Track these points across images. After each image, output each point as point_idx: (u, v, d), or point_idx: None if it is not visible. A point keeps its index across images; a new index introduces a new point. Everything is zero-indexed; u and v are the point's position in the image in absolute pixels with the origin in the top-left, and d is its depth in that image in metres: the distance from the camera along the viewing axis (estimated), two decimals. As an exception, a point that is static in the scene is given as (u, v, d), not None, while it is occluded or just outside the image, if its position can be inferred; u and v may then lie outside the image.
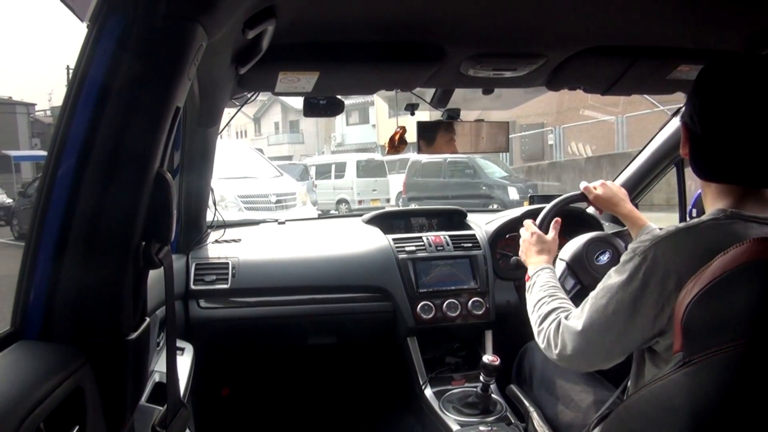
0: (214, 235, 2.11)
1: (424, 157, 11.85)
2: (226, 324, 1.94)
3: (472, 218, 2.35)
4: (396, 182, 13.00)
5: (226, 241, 2.10)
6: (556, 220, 1.58)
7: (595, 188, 1.68)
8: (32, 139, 27.91)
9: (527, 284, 1.37)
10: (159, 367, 1.26)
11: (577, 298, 1.28)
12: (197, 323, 1.88)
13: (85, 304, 0.79)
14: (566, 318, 1.12)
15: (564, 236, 1.87)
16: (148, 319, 0.91)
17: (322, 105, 1.72)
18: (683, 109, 1.04)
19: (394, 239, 2.11)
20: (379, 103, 22.39)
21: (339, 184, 13.57)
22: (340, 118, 24.58)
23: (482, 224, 2.26)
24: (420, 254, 2.07)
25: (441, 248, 2.10)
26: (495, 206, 9.76)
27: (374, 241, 2.12)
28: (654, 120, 11.28)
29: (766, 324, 0.80)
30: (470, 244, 2.13)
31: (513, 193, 11.24)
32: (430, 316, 1.97)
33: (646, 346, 1.02)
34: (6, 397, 0.62)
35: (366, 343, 2.19)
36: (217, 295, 1.92)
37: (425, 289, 2.01)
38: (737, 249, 0.83)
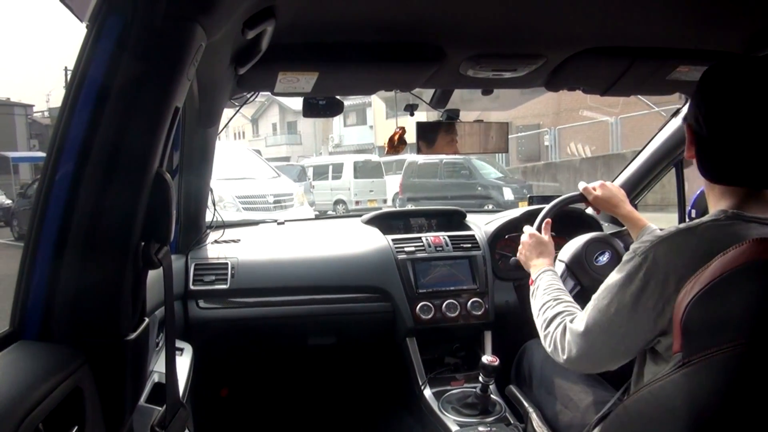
0: (213, 236, 2.11)
1: (421, 158, 11.96)
2: (225, 324, 1.94)
3: (471, 219, 2.35)
4: (393, 183, 13.09)
5: (225, 241, 2.10)
6: (547, 221, 1.58)
7: (594, 189, 1.68)
8: (30, 140, 27.95)
9: (531, 288, 1.37)
10: (158, 367, 1.26)
11: (578, 299, 1.28)
12: (196, 323, 1.88)
13: (84, 304, 0.79)
14: (571, 321, 1.12)
15: (563, 237, 1.87)
16: (147, 320, 0.91)
17: (321, 105, 1.72)
18: (686, 110, 1.04)
19: (393, 240, 2.11)
20: (376, 104, 22.40)
21: (336, 185, 13.65)
22: (337, 120, 24.63)
23: (481, 225, 2.26)
24: (419, 255, 2.07)
25: (440, 249, 2.10)
26: (490, 206, 9.88)
27: (373, 241, 2.12)
28: (649, 121, 11.34)
29: (765, 324, 0.80)
30: (469, 245, 2.13)
31: (508, 194, 11.34)
32: (430, 316, 1.97)
33: (649, 346, 1.01)
34: (5, 398, 0.62)
35: (365, 343, 2.19)
36: (217, 296, 1.92)
37: (424, 289, 2.01)
38: (737, 249, 0.83)
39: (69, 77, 0.83)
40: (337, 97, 1.73)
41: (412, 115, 1.86)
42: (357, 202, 13.10)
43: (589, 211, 2.18)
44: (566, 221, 1.94)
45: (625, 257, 1.02)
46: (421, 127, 1.76)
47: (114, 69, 0.79)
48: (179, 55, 0.83)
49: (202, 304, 1.91)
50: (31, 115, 29.71)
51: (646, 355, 1.05)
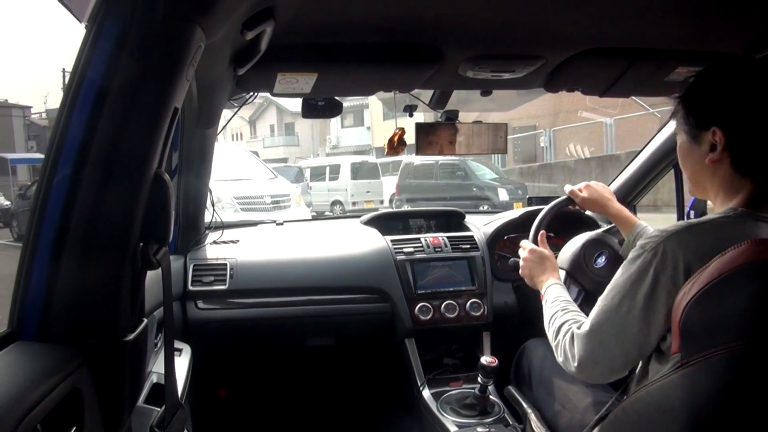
0: (212, 236, 2.11)
1: (417, 160, 12.08)
2: (224, 325, 1.94)
3: (470, 220, 2.35)
4: (389, 184, 13.17)
5: (224, 242, 2.10)
6: (542, 233, 1.55)
7: (580, 190, 1.66)
8: (28, 141, 27.93)
9: (543, 303, 1.34)
10: (157, 368, 1.26)
11: (584, 305, 1.28)
12: (195, 324, 1.88)
13: (82, 305, 0.79)
14: (578, 328, 1.10)
15: (561, 237, 1.87)
16: (145, 320, 0.91)
17: (320, 106, 1.72)
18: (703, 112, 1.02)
19: (392, 240, 2.11)
20: (374, 105, 22.43)
21: (333, 185, 13.75)
22: (335, 121, 24.67)
23: (480, 226, 2.26)
24: (418, 255, 2.07)
25: (439, 249, 2.10)
26: (486, 207, 10.00)
27: (372, 242, 2.12)
28: (644, 122, 11.38)
29: (764, 325, 0.80)
30: (468, 246, 2.13)
31: (503, 195, 11.43)
32: (428, 317, 1.97)
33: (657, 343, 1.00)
34: (3, 398, 0.62)
35: (364, 344, 2.19)
36: (215, 296, 1.92)
37: (423, 290, 2.01)
38: (735, 250, 0.83)
39: (68, 78, 0.83)
40: (336, 97, 1.73)
41: (411, 116, 1.86)
42: (354, 203, 13.17)
43: (589, 212, 2.19)
44: (564, 221, 1.94)
45: (632, 254, 1.00)
46: (420, 128, 1.76)
47: (113, 70, 0.78)
48: (178, 56, 0.83)
49: (200, 304, 1.90)
50: (28, 116, 29.71)
51: (651, 354, 1.05)
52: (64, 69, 21.51)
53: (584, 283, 1.60)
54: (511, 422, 1.71)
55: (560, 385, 1.49)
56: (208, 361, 1.80)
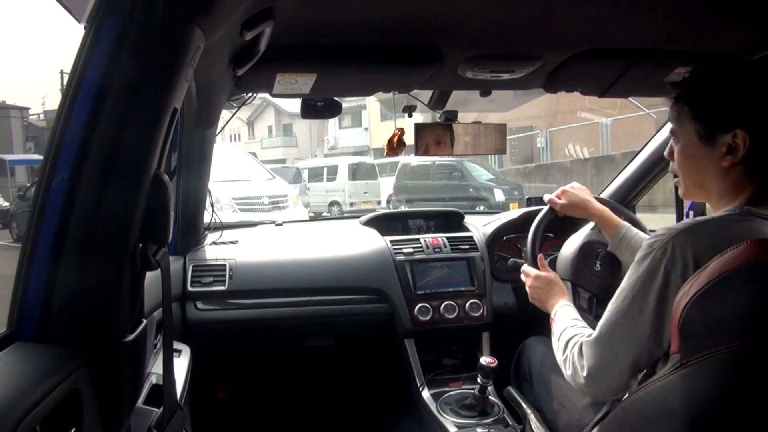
0: (211, 237, 2.11)
1: (414, 160, 12.15)
2: (223, 326, 1.94)
3: (469, 220, 2.35)
4: (387, 185, 13.23)
5: (223, 242, 2.09)
6: (540, 258, 1.53)
7: (558, 197, 1.64)
8: (26, 142, 27.91)
9: (552, 326, 1.31)
10: (156, 369, 1.26)
11: (599, 309, 1.26)
12: (194, 325, 1.88)
13: (82, 305, 0.79)
14: (587, 336, 1.08)
15: (560, 237, 1.87)
16: (145, 321, 0.91)
17: (319, 107, 1.72)
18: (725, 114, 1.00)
19: (391, 241, 2.11)
20: (371, 106, 22.45)
21: (331, 186, 13.81)
22: (333, 122, 24.70)
23: (480, 226, 2.26)
24: (417, 256, 2.07)
25: (438, 250, 2.10)
26: (482, 207, 10.08)
27: (372, 242, 2.12)
28: (639, 123, 11.41)
29: (763, 325, 0.80)
30: (468, 246, 2.13)
31: (499, 195, 11.50)
32: (428, 318, 1.97)
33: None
34: (2, 399, 0.62)
35: (363, 344, 2.19)
36: (215, 297, 1.92)
37: (423, 291, 2.01)
38: (735, 250, 0.83)
39: (67, 79, 0.83)
40: (335, 98, 1.73)
41: (410, 116, 1.86)
42: (351, 204, 13.23)
43: None
44: (560, 220, 1.94)
45: (640, 254, 0.98)
46: (419, 128, 1.76)
47: (112, 70, 0.78)
48: (177, 56, 0.83)
49: (200, 305, 1.90)
50: (26, 117, 29.67)
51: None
52: (62, 70, 21.53)
53: (591, 288, 1.59)
54: (510, 423, 1.71)
55: (560, 383, 1.49)
56: (207, 362, 1.80)
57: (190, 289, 1.89)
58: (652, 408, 0.92)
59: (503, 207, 10.34)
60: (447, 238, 2.15)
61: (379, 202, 13.29)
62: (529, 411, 1.53)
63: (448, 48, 1.41)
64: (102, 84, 0.78)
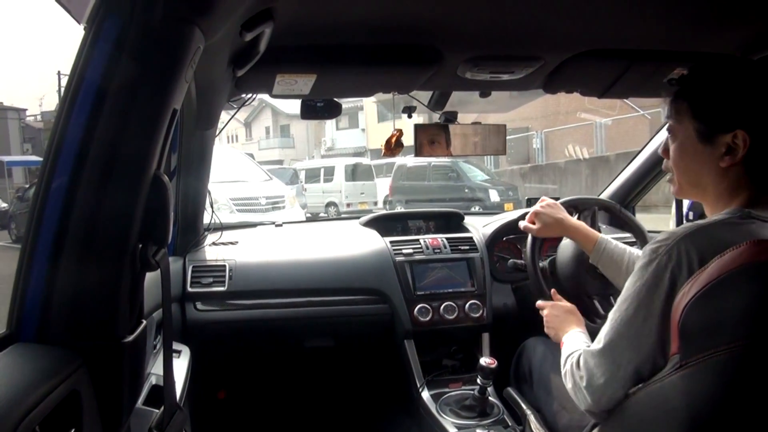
0: (211, 238, 2.11)
1: (410, 162, 12.24)
2: (223, 326, 1.94)
3: (469, 221, 2.35)
4: (383, 186, 13.31)
5: (223, 243, 2.09)
6: (554, 293, 1.50)
7: (532, 221, 1.63)
8: (23, 144, 27.88)
9: (562, 348, 1.27)
10: (156, 369, 1.26)
11: (606, 307, 1.22)
12: (194, 326, 1.88)
13: (81, 306, 0.79)
14: (588, 347, 1.05)
15: (558, 238, 1.87)
16: (144, 322, 0.91)
17: (319, 107, 1.72)
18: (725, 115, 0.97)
19: (391, 242, 2.11)
20: (368, 107, 22.46)
21: (328, 187, 13.90)
22: (330, 123, 24.74)
23: (479, 227, 2.26)
24: (417, 257, 2.07)
25: (438, 251, 2.10)
26: (477, 208, 10.22)
27: (371, 243, 2.12)
28: (634, 123, 11.42)
29: (763, 326, 0.80)
30: (467, 247, 2.13)
31: (494, 196, 11.59)
32: (428, 318, 1.97)
33: None
34: (2, 400, 0.62)
35: (363, 345, 2.19)
36: (214, 298, 1.92)
37: (422, 291, 2.01)
38: (735, 251, 0.83)
39: (65, 80, 0.83)
40: (335, 99, 1.73)
41: (410, 117, 1.86)
42: (348, 205, 13.30)
43: None
44: None
45: (642, 261, 0.96)
46: (419, 129, 1.76)
47: (112, 71, 0.78)
48: (177, 57, 0.83)
49: (199, 306, 1.90)
50: (24, 119, 29.61)
51: None
52: (59, 71, 21.55)
53: (593, 288, 1.59)
54: (510, 423, 1.71)
55: (560, 384, 1.48)
56: (207, 363, 1.80)
57: (189, 289, 1.89)
58: (652, 408, 0.92)
59: (498, 207, 10.54)
60: (447, 238, 2.15)
61: (375, 203, 13.36)
62: (529, 412, 1.53)
63: (447, 49, 1.41)
64: (102, 85, 0.78)
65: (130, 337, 0.84)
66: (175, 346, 1.50)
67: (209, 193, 2.02)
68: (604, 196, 2.33)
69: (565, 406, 1.43)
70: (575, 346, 1.16)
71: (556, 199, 1.93)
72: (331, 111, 1.74)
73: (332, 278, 2.01)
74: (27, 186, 14.57)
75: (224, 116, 1.88)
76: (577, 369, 1.04)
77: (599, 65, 1.52)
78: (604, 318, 1.11)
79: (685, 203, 2.08)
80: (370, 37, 1.35)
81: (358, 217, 2.40)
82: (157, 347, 1.38)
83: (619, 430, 1.02)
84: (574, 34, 1.39)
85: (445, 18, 1.26)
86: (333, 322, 2.02)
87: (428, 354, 2.02)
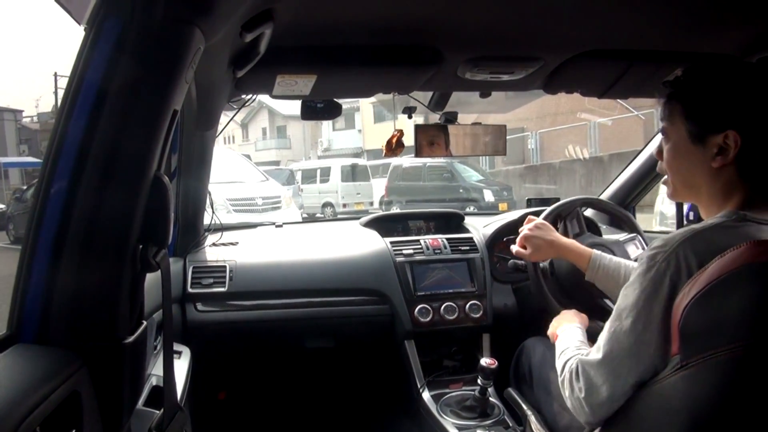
0: (211, 238, 2.11)
1: (406, 162, 12.33)
2: (223, 327, 1.94)
3: (469, 221, 2.35)
4: (379, 186, 13.38)
5: (223, 244, 2.09)
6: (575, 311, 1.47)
7: (524, 246, 1.59)
8: (20, 145, 27.86)
9: (556, 342, 1.27)
10: (156, 370, 1.26)
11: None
12: (194, 326, 1.88)
13: (82, 307, 0.79)
14: (585, 355, 1.03)
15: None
16: (145, 323, 0.90)
17: (319, 108, 1.72)
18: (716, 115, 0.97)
19: (391, 242, 2.11)
20: (365, 108, 22.49)
21: (324, 188, 13.99)
22: (326, 124, 24.78)
23: (480, 227, 2.26)
24: (418, 257, 2.07)
25: (439, 251, 2.10)
26: (472, 208, 10.28)
27: (372, 244, 2.12)
28: (629, 124, 11.44)
29: (763, 327, 0.80)
30: (468, 247, 2.13)
31: (489, 196, 11.68)
32: (428, 319, 1.97)
33: None
34: (2, 401, 0.62)
35: (364, 346, 2.19)
36: (215, 299, 1.92)
37: (423, 292, 2.01)
38: (735, 252, 0.83)
39: (65, 80, 0.83)
40: (335, 99, 1.73)
41: (410, 117, 1.86)
42: (344, 205, 13.39)
43: (588, 213, 2.19)
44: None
45: (640, 269, 0.95)
46: (419, 129, 1.76)
47: (112, 72, 0.78)
48: (177, 58, 0.83)
49: (200, 307, 1.90)
50: (20, 120, 29.58)
51: None
52: (56, 73, 21.54)
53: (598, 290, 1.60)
54: (511, 424, 1.71)
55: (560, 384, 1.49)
56: (207, 364, 1.80)
57: (190, 290, 1.89)
58: (652, 409, 0.92)
59: (493, 207, 10.63)
60: (447, 239, 2.15)
61: (371, 203, 13.43)
62: (529, 412, 1.53)
63: (447, 49, 1.41)
64: (102, 86, 0.78)
65: (131, 338, 0.84)
66: (176, 346, 1.49)
67: (209, 194, 2.02)
68: (604, 196, 2.33)
69: (565, 407, 1.42)
70: (569, 343, 1.16)
71: (557, 199, 1.93)
72: (332, 111, 1.74)
73: (333, 279, 2.01)
74: (25, 187, 14.59)
75: (223, 118, 1.88)
76: (576, 380, 1.03)
77: (599, 66, 1.52)
78: None
79: (686, 203, 2.08)
80: (370, 38, 1.35)
81: (358, 218, 2.40)
82: (158, 348, 1.38)
83: (620, 431, 1.01)
84: (574, 35, 1.39)
85: (445, 18, 1.26)
86: (333, 322, 2.02)
87: (429, 354, 2.02)
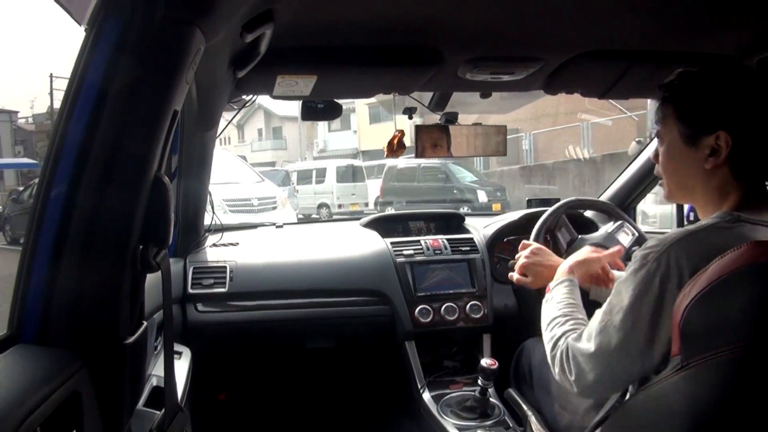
0: (211, 239, 2.11)
1: (400, 163, 12.35)
2: (223, 328, 1.94)
3: (469, 222, 2.35)
4: (374, 187, 13.41)
5: (223, 244, 2.10)
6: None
7: (523, 274, 1.49)
8: (15, 146, 27.81)
9: (546, 296, 1.27)
10: (156, 371, 1.26)
11: None
12: (195, 327, 1.88)
13: (82, 307, 0.79)
14: (575, 339, 1.05)
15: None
16: (145, 323, 0.90)
17: (319, 109, 1.72)
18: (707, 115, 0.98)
19: (392, 243, 2.11)
20: (360, 109, 22.49)
21: (320, 189, 14.05)
22: (322, 125, 24.84)
23: (480, 228, 2.26)
24: (418, 258, 2.07)
25: (439, 252, 2.09)
26: (466, 208, 10.26)
27: (372, 244, 2.12)
28: (623, 125, 11.46)
29: (764, 327, 0.80)
30: (468, 248, 2.13)
31: (482, 196, 11.72)
32: (428, 319, 1.97)
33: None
34: (3, 402, 0.62)
35: (364, 346, 2.19)
36: (215, 299, 1.92)
37: (423, 292, 2.01)
38: (735, 252, 0.83)
39: (64, 81, 0.83)
40: (336, 100, 1.73)
41: (410, 118, 1.86)
42: (340, 206, 13.44)
43: (588, 214, 2.19)
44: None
45: (632, 267, 0.96)
46: (419, 130, 1.76)
47: (112, 72, 0.78)
48: (178, 59, 0.83)
49: (200, 307, 1.90)
50: (15, 121, 29.50)
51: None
52: (51, 74, 21.52)
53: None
54: (511, 425, 1.70)
55: (560, 385, 1.48)
56: (208, 364, 1.80)
57: (190, 291, 1.89)
58: (653, 410, 0.92)
59: (486, 208, 10.79)
60: (447, 239, 2.15)
61: (366, 204, 13.47)
62: (530, 413, 1.53)
63: (448, 50, 1.41)
64: (102, 86, 0.78)
65: (131, 339, 0.84)
66: (176, 347, 1.49)
67: (210, 195, 2.02)
68: (605, 197, 2.33)
69: (565, 407, 1.43)
70: (558, 310, 1.16)
71: (557, 200, 1.94)
72: (332, 112, 1.74)
73: (333, 279, 2.01)
74: (21, 188, 14.60)
75: (223, 120, 1.88)
76: (567, 363, 1.05)
77: (600, 66, 1.52)
78: None
79: (686, 204, 2.08)
80: (370, 38, 1.35)
81: (354, 218, 2.40)
82: (158, 348, 1.38)
83: (620, 431, 1.01)
84: (574, 35, 1.39)
85: (445, 19, 1.26)
86: (334, 323, 2.02)
87: (429, 355, 2.02)
